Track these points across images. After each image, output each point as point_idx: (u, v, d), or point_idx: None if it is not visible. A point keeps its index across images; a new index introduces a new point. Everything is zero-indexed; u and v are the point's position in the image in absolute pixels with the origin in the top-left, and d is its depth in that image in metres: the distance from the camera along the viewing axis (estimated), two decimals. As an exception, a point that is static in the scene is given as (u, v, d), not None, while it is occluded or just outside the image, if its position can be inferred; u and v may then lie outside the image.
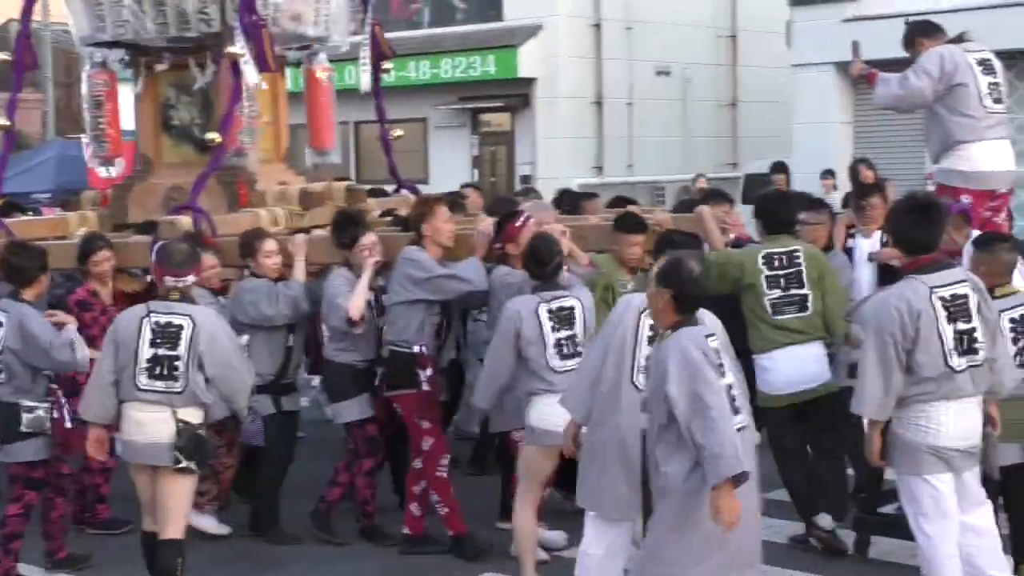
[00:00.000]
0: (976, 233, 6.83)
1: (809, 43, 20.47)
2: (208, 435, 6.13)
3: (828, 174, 16.84)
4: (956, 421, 5.38)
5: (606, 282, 6.94)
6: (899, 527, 6.04)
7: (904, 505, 5.60)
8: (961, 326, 5.37)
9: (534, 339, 6.20)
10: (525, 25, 24.55)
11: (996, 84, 7.26)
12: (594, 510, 5.56)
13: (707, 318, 5.40)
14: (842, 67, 19.72)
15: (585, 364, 5.64)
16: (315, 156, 9.06)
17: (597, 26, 25.06)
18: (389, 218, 8.20)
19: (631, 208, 7.92)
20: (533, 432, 6.19)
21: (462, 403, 8.16)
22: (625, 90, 25.25)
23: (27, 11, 8.54)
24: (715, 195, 8.88)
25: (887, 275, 6.88)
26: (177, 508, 6.00)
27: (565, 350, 6.18)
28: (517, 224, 6.87)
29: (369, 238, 7.15)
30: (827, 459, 6.96)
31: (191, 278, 6.12)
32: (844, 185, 17.69)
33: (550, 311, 6.25)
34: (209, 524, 7.36)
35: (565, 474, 6.41)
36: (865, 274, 7.54)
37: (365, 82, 9.17)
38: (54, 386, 6.79)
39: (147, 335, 5.95)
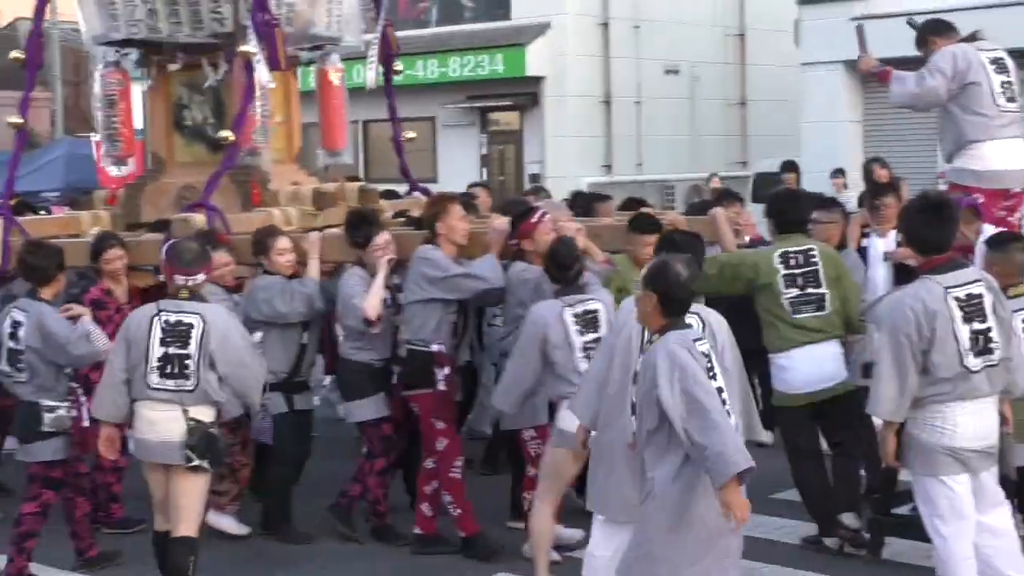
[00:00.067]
0: (987, 229, 6.82)
1: (818, 41, 20.44)
2: (220, 433, 6.13)
3: (838, 173, 16.81)
4: (973, 421, 5.37)
5: (620, 283, 6.94)
6: (913, 528, 6.02)
7: (920, 506, 5.58)
8: (977, 326, 5.36)
9: (560, 344, 6.20)
10: (533, 24, 24.54)
11: (1009, 83, 7.24)
12: (602, 513, 5.55)
13: (712, 317, 5.42)
14: (851, 65, 19.58)
15: (591, 367, 5.63)
16: (327, 157, 9.08)
17: (605, 25, 25.03)
18: (402, 219, 8.20)
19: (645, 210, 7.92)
20: (562, 435, 6.16)
21: (476, 403, 8.16)
22: (633, 89, 25.22)
23: (39, 10, 8.54)
24: (727, 195, 8.86)
25: (903, 275, 6.86)
26: (190, 507, 6.01)
27: (592, 354, 6.15)
28: (533, 220, 6.87)
29: (383, 237, 7.14)
30: (842, 458, 6.94)
31: (201, 276, 6.12)
32: (854, 184, 17.70)
33: (575, 315, 6.25)
34: (229, 524, 7.37)
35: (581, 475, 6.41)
36: (880, 273, 7.53)
37: (371, 79, 9.15)
38: (74, 384, 6.81)
39: (157, 334, 5.95)
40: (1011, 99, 7.22)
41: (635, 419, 4.93)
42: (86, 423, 6.69)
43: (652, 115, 25.38)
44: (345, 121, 9.02)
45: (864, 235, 7.89)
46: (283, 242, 7.30)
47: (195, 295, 6.08)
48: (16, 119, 8.36)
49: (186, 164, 8.59)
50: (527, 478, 6.92)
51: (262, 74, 7.81)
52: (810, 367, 6.73)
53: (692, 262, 4.98)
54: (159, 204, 8.37)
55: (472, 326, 7.34)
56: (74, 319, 6.70)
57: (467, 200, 8.44)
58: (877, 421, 6.02)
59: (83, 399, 6.82)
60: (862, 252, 7.77)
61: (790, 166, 15.70)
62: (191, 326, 5.96)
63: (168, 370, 5.93)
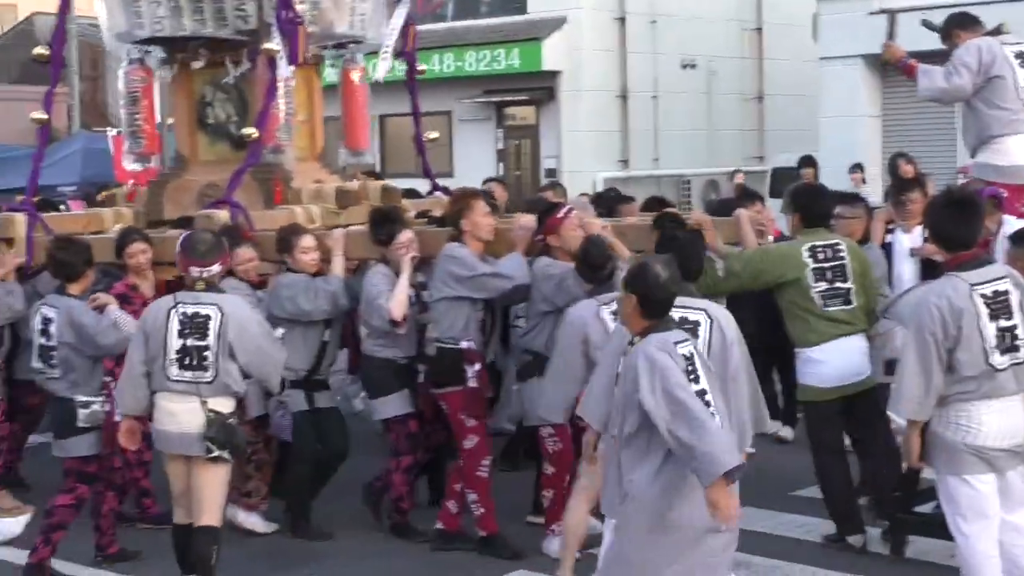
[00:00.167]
0: (1008, 221, 6.79)
1: (836, 36, 20.36)
2: (238, 423, 6.15)
3: (856, 168, 16.79)
4: (998, 420, 5.33)
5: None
6: (937, 527, 6.00)
7: (943, 504, 5.56)
8: (1003, 323, 5.32)
9: (601, 343, 6.18)
10: (549, 18, 24.52)
11: (1034, 77, 7.22)
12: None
13: (719, 313, 5.37)
14: (870, 60, 19.63)
15: (598, 369, 5.55)
16: (350, 156, 9.09)
17: (622, 19, 25.01)
18: (424, 219, 8.20)
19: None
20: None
21: (498, 402, 8.15)
22: (650, 83, 25.19)
23: (64, 7, 8.56)
24: (748, 195, 8.83)
25: (930, 270, 6.84)
26: (212, 497, 6.04)
27: None
28: (559, 216, 6.86)
29: (406, 235, 7.13)
30: (870, 459, 6.96)
31: (216, 267, 6.14)
32: (873, 179, 17.68)
33: (612, 313, 6.21)
34: (257, 523, 7.39)
35: None
36: (907, 269, 7.51)
37: (383, 70, 9.11)
38: (108, 379, 6.82)
39: (175, 326, 5.99)
40: (1035, 94, 7.20)
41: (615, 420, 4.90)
42: (118, 418, 6.73)
43: (669, 110, 25.35)
44: (368, 121, 9.04)
45: (888, 231, 7.87)
46: (307, 240, 7.29)
47: (212, 286, 6.10)
48: (40, 115, 8.38)
49: (209, 162, 8.60)
50: (544, 476, 6.92)
51: (282, 68, 7.82)
52: (841, 361, 6.70)
53: (672, 263, 4.96)
54: (182, 201, 8.39)
55: (499, 325, 7.32)
56: (100, 309, 6.75)
57: (488, 197, 8.46)
58: (899, 420, 6.02)
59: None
60: (886, 248, 7.75)
61: (808, 161, 15.67)
62: (208, 317, 5.99)
63: (187, 362, 5.96)
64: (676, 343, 4.76)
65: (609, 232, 6.86)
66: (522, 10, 25.22)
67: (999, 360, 5.31)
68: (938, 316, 5.28)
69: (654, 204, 8.60)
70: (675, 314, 5.22)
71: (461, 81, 24.90)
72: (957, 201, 5.58)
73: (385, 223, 7.23)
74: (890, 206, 8.13)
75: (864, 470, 7.23)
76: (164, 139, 9.82)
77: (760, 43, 27.02)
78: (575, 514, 6.27)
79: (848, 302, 6.74)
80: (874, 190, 15.73)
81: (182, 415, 5.98)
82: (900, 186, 8.54)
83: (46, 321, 6.80)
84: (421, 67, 9.44)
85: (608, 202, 8.96)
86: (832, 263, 6.74)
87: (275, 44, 7.76)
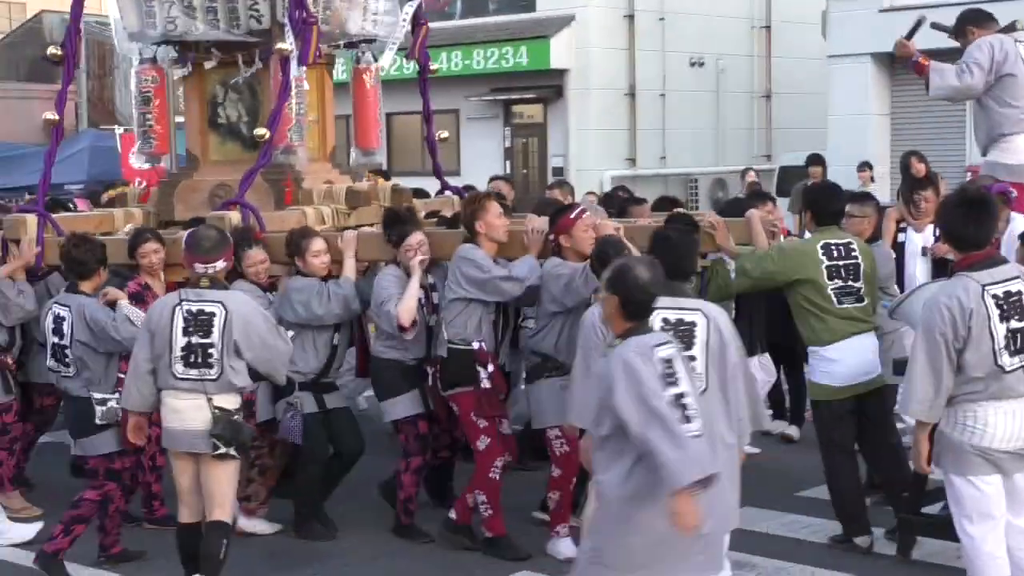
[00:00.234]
0: (1016, 219, 6.78)
1: (845, 34, 20.34)
2: (244, 420, 6.16)
3: (865, 166, 16.75)
4: (1005, 422, 5.30)
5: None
6: (945, 528, 5.97)
7: (950, 505, 5.53)
8: (1014, 324, 5.28)
9: None
10: (557, 16, 24.49)
11: (1045, 75, 7.21)
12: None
13: (714, 312, 5.35)
14: (879, 58, 19.61)
15: (585, 372, 5.54)
16: (361, 156, 9.08)
17: (630, 17, 24.97)
18: (434, 219, 8.20)
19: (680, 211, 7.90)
20: None
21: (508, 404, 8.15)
22: (658, 81, 25.16)
23: (77, 6, 8.55)
24: (758, 196, 8.82)
25: (942, 270, 6.82)
26: (222, 493, 6.06)
27: None
28: (571, 216, 6.84)
29: (415, 237, 7.10)
30: (875, 455, 6.95)
31: (220, 264, 6.15)
32: (881, 178, 17.66)
33: None
34: (260, 526, 7.39)
35: None
36: (918, 268, 7.49)
37: (387, 60, 9.06)
38: (122, 375, 6.81)
39: (179, 323, 5.99)
40: (1047, 91, 7.19)
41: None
42: None
43: (676, 108, 25.31)
44: (379, 120, 9.03)
45: (900, 229, 7.84)
46: (318, 243, 7.27)
47: (216, 283, 6.11)
48: (52, 115, 8.38)
49: (220, 162, 8.59)
50: (551, 478, 6.91)
51: (295, 69, 7.82)
52: (854, 359, 6.69)
53: (655, 264, 4.94)
54: (192, 202, 8.39)
55: (511, 328, 7.30)
56: (111, 304, 6.76)
57: (499, 198, 8.45)
58: (908, 420, 5.99)
59: None
60: (898, 247, 7.72)
61: (816, 159, 15.64)
62: (213, 315, 5.99)
63: (191, 359, 5.97)
64: (656, 346, 4.73)
65: (622, 233, 6.86)
66: (530, 8, 25.20)
67: (1008, 361, 5.28)
68: (948, 316, 5.25)
69: (665, 204, 8.60)
70: (671, 316, 5.25)
71: (469, 79, 24.87)
72: (970, 200, 5.53)
73: (396, 224, 7.21)
74: (902, 205, 8.11)
75: (871, 470, 7.23)
76: (173, 138, 9.81)
77: (769, 41, 26.97)
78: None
79: (860, 300, 6.74)
80: (882, 189, 15.72)
81: (188, 412, 6.00)
82: (912, 185, 8.51)
83: (58, 320, 6.83)
84: (434, 66, 9.41)
85: (620, 203, 8.95)
86: (846, 261, 6.73)
87: (288, 44, 7.75)
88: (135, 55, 8.75)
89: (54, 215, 8.41)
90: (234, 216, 7.64)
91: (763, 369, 8.60)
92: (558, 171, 23.53)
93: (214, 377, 5.99)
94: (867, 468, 7.23)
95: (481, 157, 24.27)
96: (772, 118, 27.00)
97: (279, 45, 7.77)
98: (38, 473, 8.53)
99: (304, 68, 7.95)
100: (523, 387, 7.32)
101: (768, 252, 6.90)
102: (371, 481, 7.67)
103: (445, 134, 9.84)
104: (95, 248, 6.98)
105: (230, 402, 6.05)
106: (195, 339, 5.97)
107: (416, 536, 7.22)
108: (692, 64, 25.66)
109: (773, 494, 7.64)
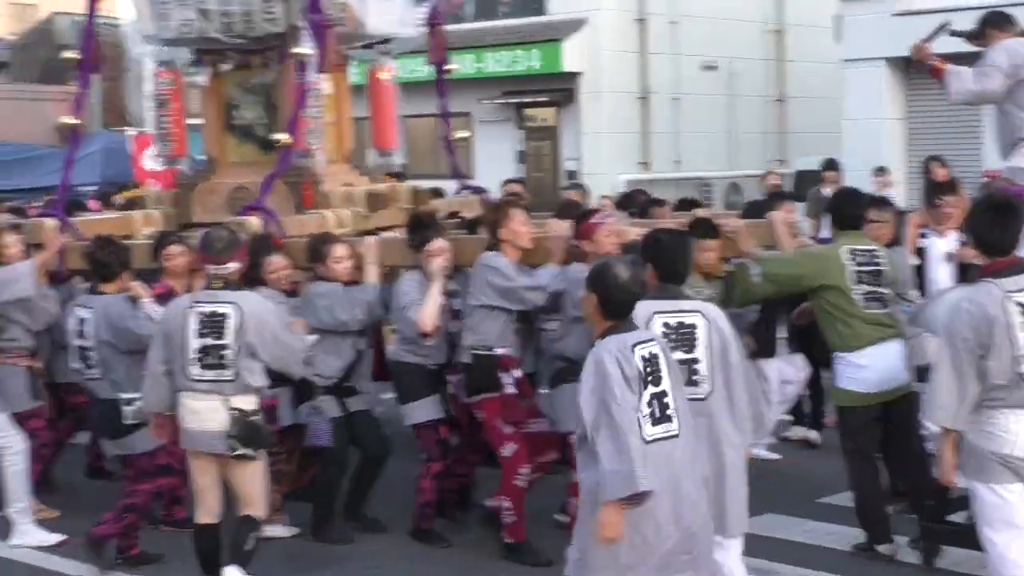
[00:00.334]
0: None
1: (860, 37, 20.22)
2: (262, 420, 6.16)
3: (881, 171, 16.66)
4: None
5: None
6: (969, 536, 5.91)
7: (973, 512, 5.48)
8: (1036, 332, 5.23)
9: None
10: (569, 19, 24.47)
11: (1064, 78, 7.14)
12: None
13: (714, 313, 5.33)
14: (894, 62, 19.52)
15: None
16: (379, 157, 9.07)
17: (642, 20, 24.93)
18: (455, 219, 8.17)
19: (702, 212, 7.86)
20: None
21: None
22: (671, 85, 25.12)
23: (92, 9, 8.55)
24: (780, 197, 8.78)
25: (966, 275, 6.76)
26: (253, 491, 6.12)
27: None
28: (594, 222, 6.81)
29: (438, 243, 7.07)
30: (900, 462, 6.91)
31: (232, 265, 6.14)
32: (897, 183, 17.57)
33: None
34: (278, 530, 7.35)
35: None
36: (942, 274, 7.43)
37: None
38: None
39: (193, 326, 5.99)
40: (1066, 95, 7.12)
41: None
42: None
43: (690, 112, 25.26)
44: (396, 121, 9.02)
45: (921, 235, 7.79)
46: (340, 249, 7.25)
47: (229, 284, 6.10)
48: (70, 119, 8.38)
49: (237, 164, 8.60)
50: (569, 484, 6.86)
51: (312, 72, 7.81)
52: (883, 364, 6.65)
53: (636, 263, 4.93)
54: (210, 204, 8.39)
55: (536, 334, 7.27)
56: (134, 300, 6.78)
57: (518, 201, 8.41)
58: (933, 427, 5.94)
59: None
60: (920, 253, 7.66)
61: (832, 164, 15.58)
62: (226, 316, 5.99)
63: (207, 361, 5.98)
64: (635, 345, 4.72)
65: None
66: (542, 11, 25.20)
67: (1029, 369, 5.21)
68: (971, 323, 5.20)
69: (687, 205, 8.58)
70: (671, 320, 5.25)
71: (481, 82, 24.85)
72: (997, 205, 5.48)
73: (420, 228, 7.19)
74: (924, 210, 8.05)
75: (894, 478, 7.18)
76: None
77: (782, 44, 26.92)
78: None
79: (886, 305, 6.71)
80: (898, 194, 15.63)
81: (206, 414, 6.01)
82: (934, 190, 8.45)
83: (81, 322, 6.82)
84: (454, 67, 9.40)
85: (641, 204, 8.92)
86: (870, 267, 6.71)
87: (305, 48, 7.72)
88: (149, 57, 8.75)
89: (71, 218, 8.42)
90: (254, 222, 7.61)
91: (792, 365, 8.47)
92: (571, 175, 23.50)
93: (230, 378, 5.99)
94: (890, 476, 7.17)
95: (493, 160, 24.23)
96: (786, 122, 26.94)
97: (296, 49, 7.75)
98: (62, 475, 8.52)
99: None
100: (545, 392, 7.29)
101: (793, 256, 6.86)
102: (388, 484, 7.64)
103: (466, 133, 9.83)
104: (119, 251, 7.03)
105: (248, 403, 6.05)
106: (209, 341, 5.98)
107: (435, 540, 7.22)
108: (705, 68, 25.59)
109: (794, 500, 7.61)
